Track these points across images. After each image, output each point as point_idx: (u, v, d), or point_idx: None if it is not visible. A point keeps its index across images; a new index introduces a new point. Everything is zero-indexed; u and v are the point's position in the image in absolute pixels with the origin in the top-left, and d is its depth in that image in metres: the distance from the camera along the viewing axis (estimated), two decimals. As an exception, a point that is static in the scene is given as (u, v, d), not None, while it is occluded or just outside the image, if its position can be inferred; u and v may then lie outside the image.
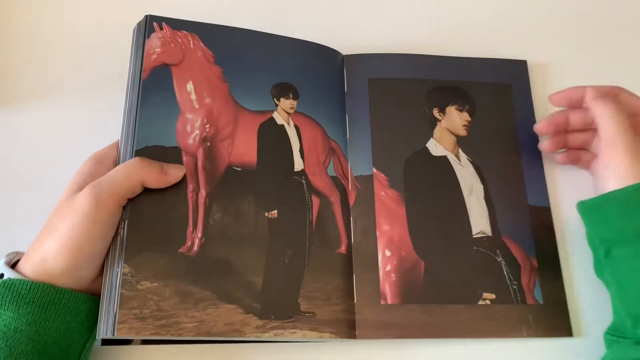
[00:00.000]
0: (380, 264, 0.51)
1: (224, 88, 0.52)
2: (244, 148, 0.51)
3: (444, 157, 0.56)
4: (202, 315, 0.45)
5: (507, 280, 0.52)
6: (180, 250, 0.47)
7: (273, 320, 0.46)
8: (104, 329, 0.43)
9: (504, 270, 0.52)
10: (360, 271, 0.50)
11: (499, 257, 0.52)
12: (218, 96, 0.52)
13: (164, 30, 0.53)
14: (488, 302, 0.51)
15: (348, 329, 0.48)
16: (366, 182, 0.54)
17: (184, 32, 0.53)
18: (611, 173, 0.47)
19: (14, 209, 0.54)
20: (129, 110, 0.50)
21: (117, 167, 0.47)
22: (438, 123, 0.57)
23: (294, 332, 0.46)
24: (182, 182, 0.48)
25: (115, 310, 0.43)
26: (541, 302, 0.51)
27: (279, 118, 0.53)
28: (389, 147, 0.55)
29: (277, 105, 0.53)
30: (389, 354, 0.50)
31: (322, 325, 0.47)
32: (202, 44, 0.53)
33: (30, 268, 0.44)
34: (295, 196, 0.51)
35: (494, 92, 0.59)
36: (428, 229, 0.53)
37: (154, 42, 0.52)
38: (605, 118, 0.49)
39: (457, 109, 0.58)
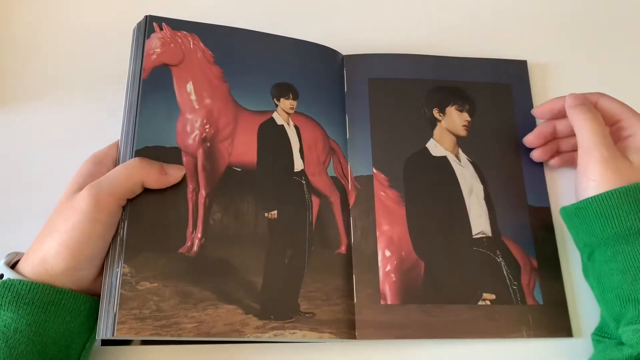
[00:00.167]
0: (380, 264, 0.51)
1: (223, 88, 0.52)
2: (244, 148, 0.51)
3: (444, 157, 0.56)
4: (201, 316, 0.45)
5: (507, 281, 0.52)
6: (180, 250, 0.47)
7: (273, 320, 0.46)
8: (103, 330, 0.43)
9: (504, 270, 0.52)
10: (360, 271, 0.50)
11: (499, 258, 0.52)
12: (218, 96, 0.52)
13: (164, 30, 0.53)
14: (488, 302, 0.51)
15: (348, 329, 0.48)
16: (366, 182, 0.54)
17: (184, 32, 0.53)
18: (588, 180, 0.48)
19: (14, 209, 0.54)
20: (129, 110, 0.50)
21: (117, 167, 0.47)
22: (438, 123, 0.57)
23: (293, 333, 0.46)
24: (182, 183, 0.48)
25: (115, 310, 0.43)
26: (541, 302, 0.51)
27: (279, 118, 0.53)
28: (389, 147, 0.55)
29: (277, 105, 0.53)
30: (388, 354, 0.50)
31: (322, 325, 0.47)
32: (202, 44, 0.53)
33: (30, 268, 0.44)
34: (295, 196, 0.51)
35: (494, 92, 0.59)
36: (428, 229, 0.53)
37: (154, 42, 0.52)
38: (581, 127, 0.50)
39: (457, 109, 0.58)
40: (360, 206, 0.53)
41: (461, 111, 0.58)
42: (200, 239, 0.47)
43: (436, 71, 0.59)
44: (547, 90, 0.61)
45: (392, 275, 0.51)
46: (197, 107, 0.51)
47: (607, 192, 0.46)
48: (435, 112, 0.57)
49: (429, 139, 0.56)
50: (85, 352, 0.45)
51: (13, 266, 0.45)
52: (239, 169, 0.50)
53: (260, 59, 0.54)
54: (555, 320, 0.51)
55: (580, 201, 0.48)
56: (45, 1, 0.64)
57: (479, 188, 0.55)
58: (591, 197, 0.47)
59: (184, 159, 0.49)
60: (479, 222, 0.53)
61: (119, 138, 0.50)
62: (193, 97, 0.51)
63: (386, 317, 0.49)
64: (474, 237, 0.53)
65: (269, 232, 0.49)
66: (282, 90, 0.54)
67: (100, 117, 0.57)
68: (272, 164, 0.51)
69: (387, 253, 0.51)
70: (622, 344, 0.44)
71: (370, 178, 0.54)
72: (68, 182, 0.47)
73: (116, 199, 0.45)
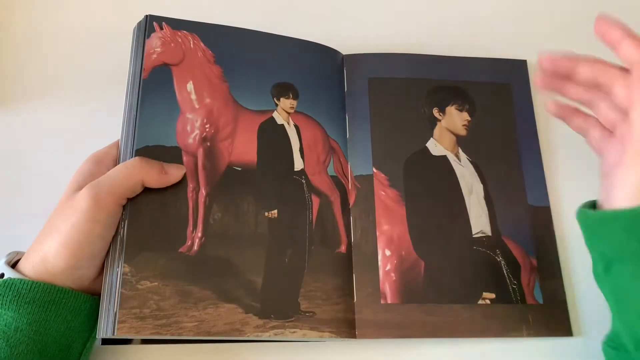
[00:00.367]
0: (380, 263, 0.51)
1: (224, 88, 0.52)
2: (244, 148, 0.51)
3: (444, 157, 0.56)
4: (202, 315, 0.45)
5: (507, 280, 0.52)
6: (181, 249, 0.47)
7: (273, 319, 0.46)
8: (104, 329, 0.43)
9: (504, 270, 0.52)
10: (360, 271, 0.50)
11: (498, 257, 0.52)
12: (218, 96, 0.52)
13: (164, 30, 0.53)
14: (488, 301, 0.51)
15: (348, 328, 0.48)
16: (366, 181, 0.54)
17: (184, 32, 0.53)
18: (624, 184, 0.40)
19: (14, 209, 0.54)
20: (129, 109, 0.50)
21: (117, 166, 0.47)
22: (438, 123, 0.57)
23: (294, 332, 0.46)
24: (182, 182, 0.48)
25: (115, 309, 0.43)
26: (541, 301, 0.51)
27: (279, 118, 0.53)
28: (388, 146, 0.55)
29: (277, 105, 0.53)
30: (388, 353, 0.50)
31: (322, 324, 0.47)
32: (202, 44, 0.53)
33: (30, 267, 0.44)
34: (295, 196, 0.51)
35: (494, 92, 0.59)
36: (428, 228, 0.53)
37: (154, 42, 0.52)
38: None
39: (457, 109, 0.58)
40: (360, 205, 0.53)
41: (461, 111, 0.58)
42: (201, 239, 0.47)
43: (436, 71, 0.59)
44: (547, 90, 0.61)
45: (392, 274, 0.51)
46: (197, 106, 0.51)
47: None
48: (435, 112, 0.57)
49: (429, 139, 0.56)
50: (85, 351, 0.45)
51: (14, 265, 0.45)
52: (239, 169, 0.50)
53: (261, 58, 0.54)
54: (555, 320, 0.51)
55: (609, 212, 0.41)
56: (45, 1, 0.64)
57: (479, 187, 0.55)
58: (623, 210, 0.39)
59: (184, 158, 0.49)
60: (479, 222, 0.53)
61: (119, 137, 0.50)
62: (193, 96, 0.51)
63: (386, 316, 0.49)
64: (473, 236, 0.53)
65: (269, 231, 0.49)
66: (282, 89, 0.54)
67: (100, 117, 0.57)
68: (272, 164, 0.51)
69: (387, 252, 0.51)
70: None
71: (370, 177, 0.54)
72: (68, 182, 0.47)
73: (116, 198, 0.45)
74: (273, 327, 0.46)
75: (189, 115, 0.51)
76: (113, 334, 0.43)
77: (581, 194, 0.50)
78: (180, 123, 0.50)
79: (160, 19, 0.53)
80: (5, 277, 0.43)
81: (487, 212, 0.54)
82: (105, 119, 0.54)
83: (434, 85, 0.58)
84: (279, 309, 0.47)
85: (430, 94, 0.58)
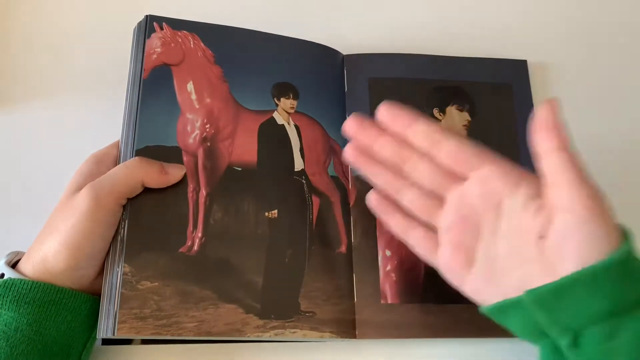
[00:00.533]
0: (380, 263, 0.51)
1: (224, 88, 0.52)
2: (244, 148, 0.51)
3: (444, 157, 0.56)
4: (202, 315, 0.45)
5: (507, 280, 0.52)
6: (181, 250, 0.47)
7: (273, 320, 0.46)
8: (104, 329, 0.43)
9: (504, 270, 0.52)
10: (361, 271, 0.50)
11: (499, 257, 0.52)
12: (218, 96, 0.52)
13: (165, 30, 0.53)
14: (488, 302, 0.50)
15: (348, 328, 0.48)
16: (366, 181, 0.53)
17: (184, 32, 0.53)
18: (574, 248, 0.37)
19: (14, 209, 0.54)
20: (129, 110, 0.50)
21: (117, 166, 0.47)
22: (438, 123, 0.57)
23: (294, 332, 0.46)
24: (183, 182, 0.48)
25: (115, 310, 0.43)
26: (541, 302, 0.51)
27: (280, 118, 0.53)
28: (389, 147, 0.55)
29: (277, 105, 0.53)
30: (389, 353, 0.50)
31: (322, 325, 0.47)
32: (202, 44, 0.53)
33: (30, 268, 0.44)
34: (296, 196, 0.51)
35: (494, 92, 0.59)
36: (428, 228, 0.53)
37: (155, 42, 0.52)
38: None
39: (457, 109, 0.58)
40: (360, 206, 0.53)
41: (461, 111, 0.58)
42: (201, 239, 0.47)
43: (436, 71, 0.59)
44: (547, 90, 0.61)
45: (393, 274, 0.51)
46: (197, 106, 0.51)
47: (602, 263, 0.36)
48: (436, 112, 0.57)
49: (429, 139, 0.56)
50: (86, 351, 0.45)
51: (14, 266, 0.45)
52: (240, 169, 0.50)
53: (261, 58, 0.54)
54: (555, 320, 0.51)
55: (566, 277, 0.37)
56: (45, 1, 0.64)
57: (479, 188, 0.55)
58: (584, 269, 0.36)
59: (184, 158, 0.49)
60: (479, 222, 0.53)
61: (119, 137, 0.50)
62: (193, 96, 0.51)
63: (386, 316, 0.49)
64: (474, 236, 0.53)
65: (270, 231, 0.49)
66: (283, 89, 0.54)
67: (100, 117, 0.57)
68: (272, 164, 0.51)
69: (388, 253, 0.51)
70: None
71: (370, 178, 0.54)
72: (68, 182, 0.47)
73: (116, 198, 0.45)
74: (273, 328, 0.46)
75: (189, 116, 0.51)
76: (113, 334, 0.43)
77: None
78: (181, 123, 0.50)
79: (160, 19, 0.53)
80: (5, 277, 0.43)
81: (487, 212, 0.54)
82: (105, 119, 0.54)
83: (434, 86, 0.58)
84: (279, 309, 0.47)
85: (431, 94, 0.58)
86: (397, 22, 0.65)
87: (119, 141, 0.50)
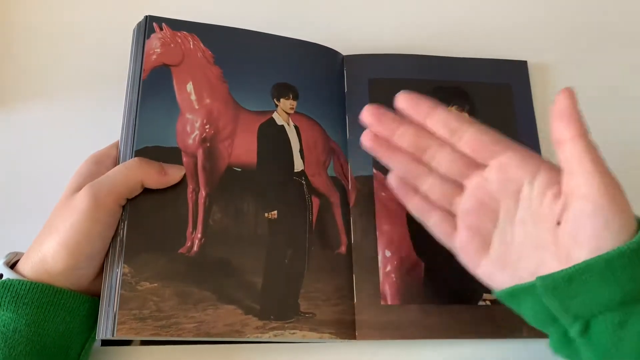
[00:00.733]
0: (380, 264, 0.51)
1: (223, 88, 0.52)
2: (244, 148, 0.51)
3: (444, 158, 0.55)
4: (201, 316, 0.45)
5: (507, 281, 0.51)
6: (180, 250, 0.47)
7: (273, 320, 0.46)
8: (103, 330, 0.43)
9: (504, 270, 0.52)
10: (360, 272, 0.50)
11: (499, 258, 0.52)
12: (218, 96, 0.52)
13: (164, 30, 0.53)
14: (489, 303, 0.50)
15: (348, 329, 0.48)
16: (366, 182, 0.54)
17: (184, 32, 0.53)
18: (588, 236, 0.38)
19: (14, 209, 0.54)
20: (129, 110, 0.50)
21: (117, 167, 0.47)
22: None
23: (293, 333, 0.46)
24: (182, 183, 0.48)
25: (114, 310, 0.43)
26: (541, 302, 0.51)
27: (279, 118, 0.53)
28: (389, 147, 0.55)
29: (277, 105, 0.53)
30: (389, 354, 0.50)
31: (322, 325, 0.47)
32: (202, 45, 0.53)
33: (29, 268, 0.44)
34: (295, 197, 0.51)
35: (494, 93, 0.59)
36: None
37: (154, 42, 0.52)
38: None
39: (457, 109, 0.58)
40: (360, 206, 0.53)
41: (461, 111, 0.58)
42: (200, 239, 0.47)
43: (436, 71, 0.59)
44: (547, 91, 0.61)
45: (393, 275, 0.51)
46: (197, 107, 0.51)
47: (617, 251, 0.36)
48: (436, 113, 0.57)
49: (429, 139, 0.56)
50: (84, 352, 0.45)
51: (13, 266, 0.45)
52: (239, 169, 0.50)
53: (260, 59, 0.54)
54: (555, 321, 0.51)
55: (578, 265, 0.37)
56: (45, 1, 0.64)
57: (479, 188, 0.55)
58: (598, 257, 0.36)
59: (183, 159, 0.49)
60: (479, 223, 0.53)
61: (119, 138, 0.50)
62: (193, 97, 0.51)
63: (386, 317, 0.49)
64: (474, 237, 0.53)
65: (269, 232, 0.49)
66: (282, 90, 0.54)
67: (100, 117, 0.57)
68: (272, 164, 0.51)
69: (387, 253, 0.51)
70: None
71: (370, 178, 0.54)
72: (68, 182, 0.47)
73: (115, 198, 0.45)
74: (273, 328, 0.46)
75: (189, 116, 0.51)
76: (113, 335, 0.43)
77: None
78: (180, 124, 0.50)
79: (160, 20, 0.53)
80: (4, 277, 0.43)
81: (487, 212, 0.54)
82: (105, 119, 0.54)
83: (434, 86, 0.58)
84: (279, 310, 0.47)
85: (431, 94, 0.57)
86: (397, 22, 0.65)
87: (118, 141, 0.50)
